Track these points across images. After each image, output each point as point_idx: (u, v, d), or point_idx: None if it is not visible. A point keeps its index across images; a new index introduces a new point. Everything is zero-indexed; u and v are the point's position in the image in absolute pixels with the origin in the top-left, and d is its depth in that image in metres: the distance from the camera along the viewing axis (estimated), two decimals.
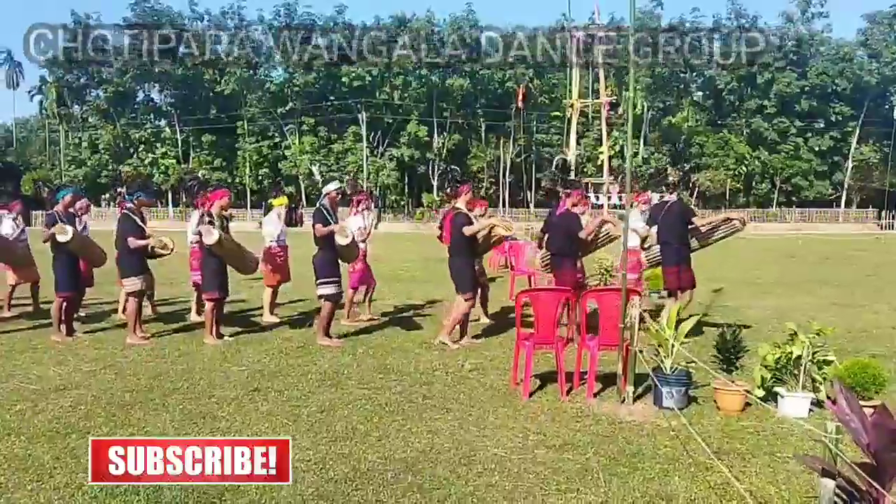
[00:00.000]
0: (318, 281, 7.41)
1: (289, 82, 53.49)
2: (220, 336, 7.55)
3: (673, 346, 5.34)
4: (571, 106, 11.45)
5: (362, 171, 51.62)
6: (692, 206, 8.52)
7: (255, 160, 53.36)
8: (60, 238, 7.39)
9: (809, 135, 52.35)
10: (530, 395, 5.50)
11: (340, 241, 7.40)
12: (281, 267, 8.96)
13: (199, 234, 7.44)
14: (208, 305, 7.52)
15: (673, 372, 5.25)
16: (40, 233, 8.04)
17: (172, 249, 7.98)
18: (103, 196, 53.87)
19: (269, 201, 8.72)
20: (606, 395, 5.54)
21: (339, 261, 7.70)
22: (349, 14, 57.72)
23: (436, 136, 52.94)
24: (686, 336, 5.55)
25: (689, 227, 7.91)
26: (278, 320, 8.80)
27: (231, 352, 7.05)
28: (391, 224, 45.81)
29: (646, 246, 8.57)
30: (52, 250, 7.69)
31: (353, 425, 4.77)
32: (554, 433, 4.63)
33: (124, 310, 8.64)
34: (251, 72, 53.83)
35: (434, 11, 55.67)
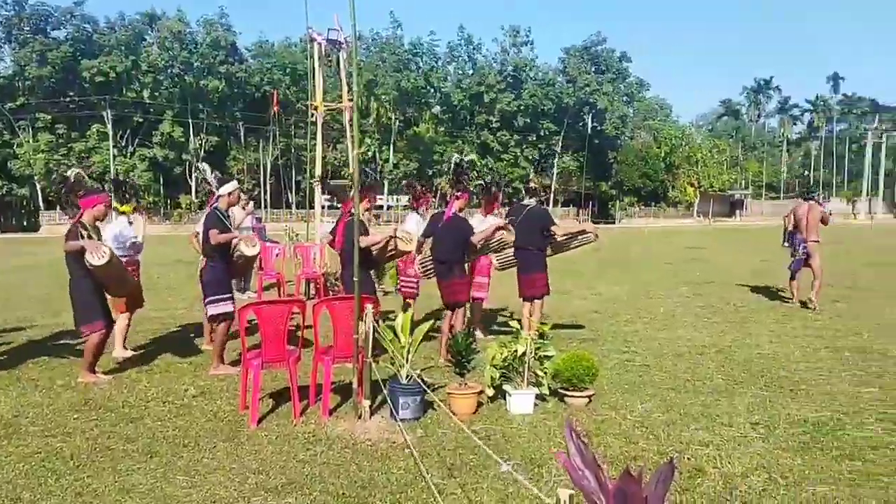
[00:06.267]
0: (207, 300, 5.88)
1: (19, 75, 45.08)
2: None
3: (408, 353, 4.79)
4: (316, 109, 10.57)
5: (109, 172, 45.32)
6: (550, 214, 7.69)
7: None
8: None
9: (525, 146, 58.17)
10: (259, 420, 4.54)
11: (247, 251, 6.07)
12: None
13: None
14: (98, 337, 5.52)
15: (408, 380, 4.69)
16: None
17: None
18: None
19: (114, 206, 6.33)
20: (343, 412, 4.79)
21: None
22: (88, 7, 50.33)
23: (192, 136, 48.48)
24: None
25: (547, 234, 7.02)
26: (130, 354, 6.53)
27: None
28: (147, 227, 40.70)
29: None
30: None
31: (18, 494, 3.41)
32: (279, 470, 3.74)
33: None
34: None
35: (185, 11, 50.86)
